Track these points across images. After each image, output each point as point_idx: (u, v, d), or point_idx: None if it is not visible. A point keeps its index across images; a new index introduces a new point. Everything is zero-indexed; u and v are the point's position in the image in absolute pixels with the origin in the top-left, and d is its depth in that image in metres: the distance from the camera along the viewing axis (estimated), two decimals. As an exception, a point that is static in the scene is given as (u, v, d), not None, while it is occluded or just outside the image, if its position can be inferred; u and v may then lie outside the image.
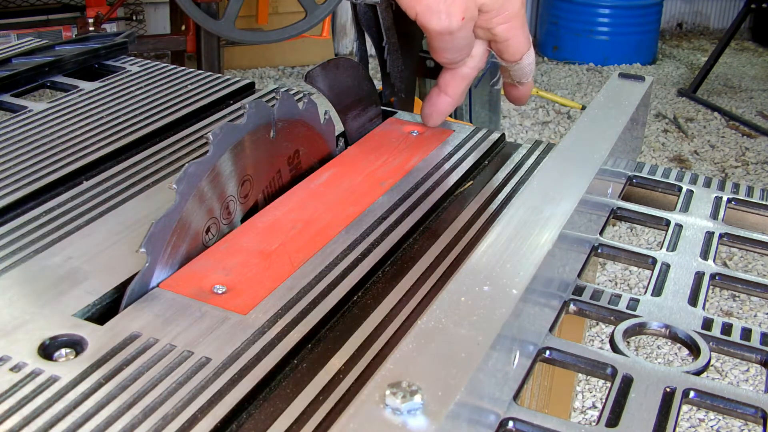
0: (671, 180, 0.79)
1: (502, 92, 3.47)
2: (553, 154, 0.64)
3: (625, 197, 0.78)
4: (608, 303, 0.59)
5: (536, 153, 0.82)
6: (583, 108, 3.76)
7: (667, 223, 0.71)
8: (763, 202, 0.76)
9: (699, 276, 0.63)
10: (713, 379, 0.52)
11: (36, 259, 0.60)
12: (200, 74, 0.98)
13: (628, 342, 0.54)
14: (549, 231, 0.52)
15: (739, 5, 4.32)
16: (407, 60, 0.87)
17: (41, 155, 0.76)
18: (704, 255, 0.66)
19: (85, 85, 0.94)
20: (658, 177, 0.80)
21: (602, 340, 2.20)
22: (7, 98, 0.91)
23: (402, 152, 0.78)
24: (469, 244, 0.64)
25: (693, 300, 0.60)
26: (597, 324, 2.21)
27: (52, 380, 0.47)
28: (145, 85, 0.94)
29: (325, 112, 0.75)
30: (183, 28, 3.36)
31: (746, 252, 2.36)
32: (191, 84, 0.95)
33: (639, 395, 0.49)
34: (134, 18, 3.59)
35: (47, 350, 0.50)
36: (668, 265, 0.64)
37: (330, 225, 0.64)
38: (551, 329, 0.55)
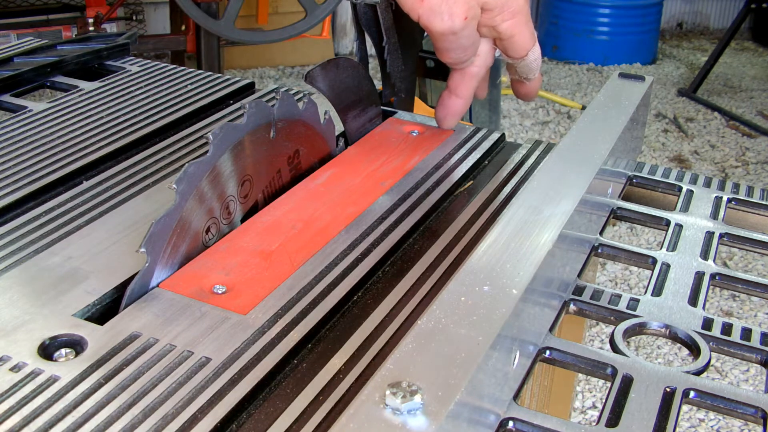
0: (671, 180, 0.79)
1: (503, 92, 3.47)
2: (553, 154, 0.64)
3: (625, 197, 0.78)
4: (608, 303, 0.59)
5: (536, 153, 0.82)
6: (583, 108, 3.76)
7: (667, 223, 0.71)
8: (763, 202, 0.76)
9: (699, 276, 0.63)
10: (713, 379, 0.52)
11: (36, 259, 0.60)
12: (200, 74, 0.98)
13: (628, 342, 0.54)
14: (549, 231, 0.52)
15: (739, 5, 4.32)
16: (407, 60, 0.87)
17: (41, 155, 0.76)
18: (704, 255, 0.66)
19: (85, 85, 0.94)
20: (658, 177, 0.80)
21: (602, 340, 2.20)
22: (7, 98, 0.91)
23: (402, 152, 0.78)
24: (469, 244, 0.64)
25: (693, 300, 0.60)
26: (597, 324, 2.21)
27: (52, 380, 0.47)
28: (145, 85, 0.94)
29: (325, 112, 0.75)
30: (183, 28, 3.36)
31: (746, 252, 2.36)
32: (191, 84, 0.95)
33: (639, 395, 0.49)
34: (134, 18, 3.59)
35: (47, 350, 0.50)
36: (668, 265, 0.64)
37: (330, 225, 0.64)
38: (551, 329, 0.55)
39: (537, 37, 0.76)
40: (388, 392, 0.36)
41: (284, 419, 0.46)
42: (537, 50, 0.76)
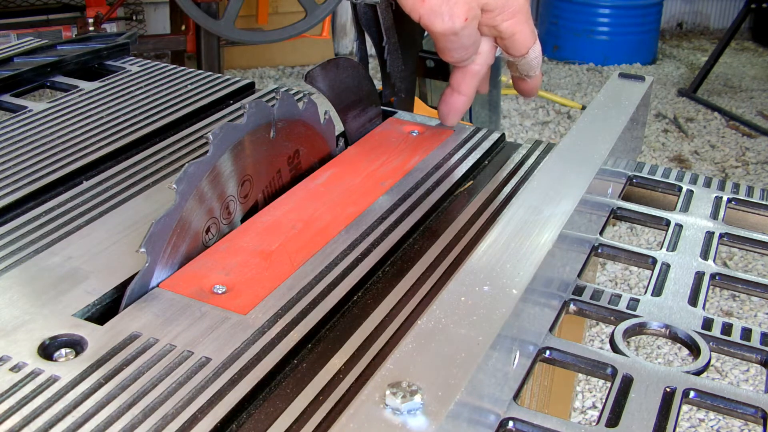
0: (671, 180, 0.79)
1: (503, 92, 3.47)
2: (553, 154, 0.64)
3: (625, 197, 0.78)
4: (608, 303, 0.59)
5: (536, 153, 0.82)
6: (583, 108, 3.76)
7: (667, 223, 0.71)
8: (763, 202, 0.76)
9: (699, 276, 0.63)
10: (713, 379, 0.52)
11: (36, 259, 0.60)
12: (200, 74, 0.98)
13: (628, 342, 0.54)
14: (549, 231, 0.52)
15: (739, 5, 4.32)
16: (407, 60, 0.87)
17: (41, 155, 0.76)
18: (704, 255, 0.66)
19: (85, 85, 0.94)
20: (658, 177, 0.80)
21: (602, 340, 2.20)
22: (7, 98, 0.91)
23: (402, 152, 0.78)
24: (469, 244, 0.64)
25: (693, 300, 0.60)
26: (597, 324, 2.21)
27: (52, 380, 0.47)
28: (145, 85, 0.94)
29: (325, 112, 0.75)
30: (183, 28, 3.36)
31: (746, 252, 2.36)
32: (191, 84, 0.95)
33: (639, 395, 0.49)
34: (134, 18, 3.59)
35: (47, 350, 0.50)
36: (668, 265, 0.64)
37: (330, 225, 0.64)
38: (551, 329, 0.55)
39: (537, 36, 0.76)
40: (388, 392, 0.36)
41: (284, 419, 0.46)
42: (537, 48, 0.77)
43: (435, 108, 0.84)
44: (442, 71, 0.93)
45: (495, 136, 0.83)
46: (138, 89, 0.93)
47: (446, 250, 0.63)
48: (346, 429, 0.35)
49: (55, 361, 0.49)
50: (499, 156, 0.81)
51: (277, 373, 0.50)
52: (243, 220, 0.65)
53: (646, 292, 0.60)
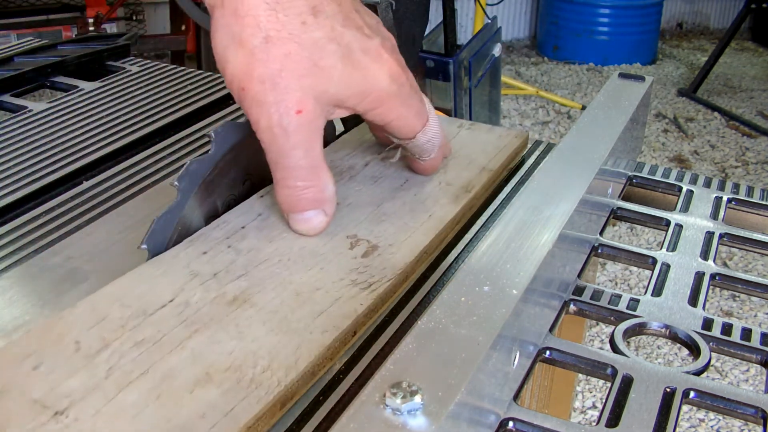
0: (671, 180, 0.79)
1: (503, 92, 3.47)
2: (553, 154, 0.64)
3: (625, 197, 0.78)
4: (608, 303, 0.59)
5: (536, 153, 0.82)
6: (583, 108, 3.76)
7: (667, 223, 0.71)
8: (763, 202, 0.76)
9: (699, 276, 0.63)
10: (713, 379, 0.52)
11: (36, 259, 0.60)
12: (200, 74, 0.98)
13: (628, 342, 0.54)
14: (549, 231, 0.52)
15: (739, 5, 4.33)
16: (407, 60, 0.87)
17: (41, 155, 0.76)
18: (704, 255, 0.66)
19: (85, 85, 0.94)
20: (658, 177, 0.80)
21: (602, 340, 2.20)
22: (7, 98, 0.91)
23: (402, 152, 0.78)
24: (469, 244, 0.64)
25: (693, 300, 0.60)
26: (597, 324, 2.22)
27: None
28: (146, 85, 0.94)
29: (325, 112, 0.74)
30: (183, 28, 3.36)
31: (746, 252, 2.36)
32: (191, 84, 0.95)
33: (639, 395, 0.49)
34: (134, 18, 3.60)
35: (47, 350, 0.50)
36: (668, 265, 0.64)
37: (330, 225, 0.64)
38: (551, 329, 0.55)
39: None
40: (388, 392, 0.36)
41: (284, 419, 0.46)
42: (432, 129, 0.64)
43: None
44: (442, 71, 0.93)
45: (495, 136, 0.83)
46: (138, 89, 0.93)
47: (446, 250, 0.63)
48: (346, 429, 0.35)
49: (55, 361, 0.49)
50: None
51: (277, 373, 0.49)
52: (243, 220, 0.64)
53: (646, 292, 0.60)
